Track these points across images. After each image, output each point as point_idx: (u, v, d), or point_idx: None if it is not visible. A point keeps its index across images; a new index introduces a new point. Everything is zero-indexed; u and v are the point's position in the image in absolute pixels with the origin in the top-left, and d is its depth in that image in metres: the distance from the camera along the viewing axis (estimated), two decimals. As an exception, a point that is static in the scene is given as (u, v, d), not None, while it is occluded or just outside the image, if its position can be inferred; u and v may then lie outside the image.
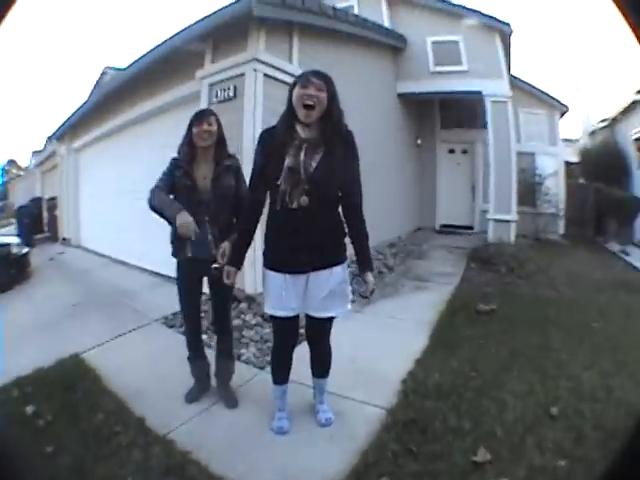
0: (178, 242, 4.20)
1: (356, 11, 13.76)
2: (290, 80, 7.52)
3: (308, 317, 3.83)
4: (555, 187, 16.13)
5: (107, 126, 13.18)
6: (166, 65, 9.10)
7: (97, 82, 18.14)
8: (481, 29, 13.43)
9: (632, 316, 7.21)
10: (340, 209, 3.65)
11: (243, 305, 7.25)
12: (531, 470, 3.34)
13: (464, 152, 17.13)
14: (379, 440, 3.81)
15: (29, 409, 4.38)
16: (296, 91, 3.41)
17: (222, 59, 8.00)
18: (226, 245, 4.06)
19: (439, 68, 14.06)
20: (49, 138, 19.79)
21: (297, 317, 3.82)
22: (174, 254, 4.34)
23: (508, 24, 13.33)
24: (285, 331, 3.90)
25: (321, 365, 4.12)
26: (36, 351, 5.93)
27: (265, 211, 3.70)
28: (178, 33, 8.26)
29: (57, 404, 4.48)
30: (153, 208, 4.10)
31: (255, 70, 7.47)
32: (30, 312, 8.25)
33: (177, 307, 4.64)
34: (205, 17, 7.64)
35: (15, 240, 12.69)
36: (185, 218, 3.89)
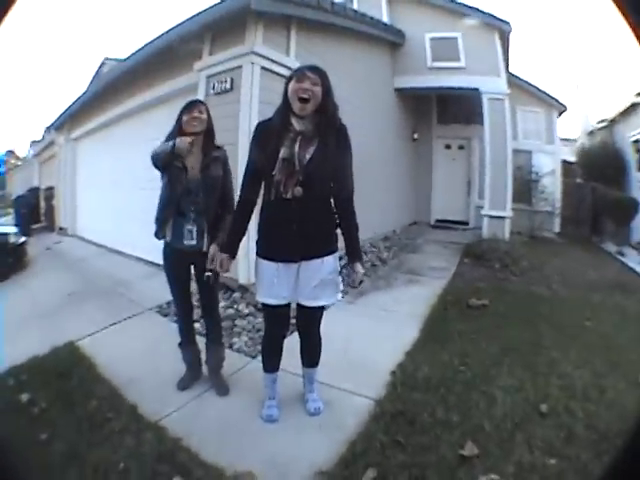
0: (162, 224, 4.29)
1: (355, 6, 13.72)
2: (287, 73, 7.59)
3: (299, 306, 3.88)
4: (551, 185, 16.27)
5: (105, 116, 13.20)
6: (164, 57, 9.11)
7: (96, 73, 18.17)
8: (480, 27, 13.46)
9: (626, 317, 7.23)
10: (332, 200, 3.71)
11: (236, 294, 7.30)
12: (520, 467, 3.36)
13: (460, 148, 17.19)
14: (367, 430, 3.85)
15: (24, 397, 4.42)
16: (292, 85, 3.48)
17: (220, 52, 8.02)
18: (214, 248, 4.11)
19: (437, 64, 14.10)
20: (48, 128, 19.80)
21: (288, 306, 3.88)
22: (156, 234, 4.37)
23: (507, 22, 13.39)
24: (276, 319, 3.97)
25: (311, 355, 4.16)
26: (31, 340, 5.98)
27: (259, 201, 3.76)
28: (177, 26, 8.29)
29: (52, 392, 4.52)
30: (155, 156, 4.14)
31: (252, 63, 7.49)
32: (26, 301, 8.29)
33: (170, 296, 4.68)
34: (204, 10, 7.67)
35: (13, 230, 12.78)
36: (183, 138, 4.01)
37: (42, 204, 20.51)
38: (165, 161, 4.07)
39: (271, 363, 4.13)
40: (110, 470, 3.35)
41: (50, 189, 19.26)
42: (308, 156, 3.47)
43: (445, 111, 17.23)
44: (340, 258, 3.83)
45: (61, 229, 17.32)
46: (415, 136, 16.80)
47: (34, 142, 36.60)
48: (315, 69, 3.53)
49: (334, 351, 4.89)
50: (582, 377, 4.86)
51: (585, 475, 3.18)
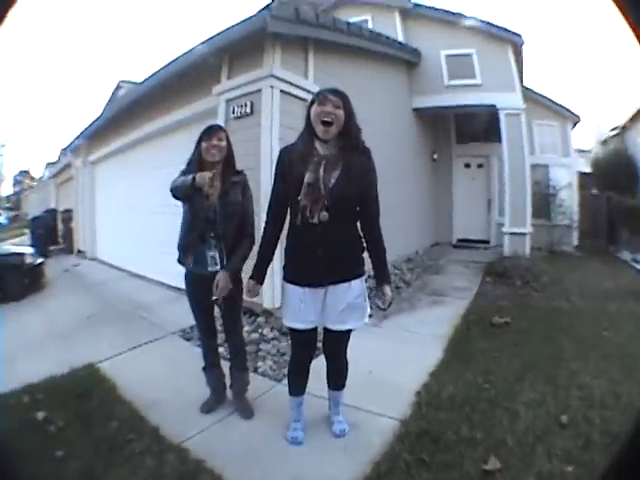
0: (184, 251, 4.29)
1: (370, 25, 13.79)
2: (306, 96, 7.57)
3: (326, 330, 3.86)
4: (569, 199, 16.20)
5: (123, 140, 13.23)
6: (182, 80, 9.15)
7: (112, 95, 18.26)
8: (493, 41, 13.49)
9: None
10: (358, 224, 3.71)
11: (260, 319, 7.27)
12: (539, 477, 3.38)
13: (480, 166, 17.13)
14: (392, 450, 3.82)
15: (40, 415, 4.45)
16: (314, 109, 3.52)
17: (238, 75, 8.07)
18: (221, 276, 4.12)
19: (453, 82, 14.11)
20: (63, 150, 19.97)
21: (315, 330, 3.89)
22: (179, 260, 4.39)
23: (519, 35, 13.44)
24: (303, 343, 3.95)
25: (337, 378, 4.16)
26: (49, 360, 6.04)
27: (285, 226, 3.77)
28: (193, 49, 8.29)
29: (69, 411, 4.55)
30: (175, 189, 4.12)
31: (272, 86, 7.51)
32: (44, 322, 8.34)
33: (194, 321, 4.69)
34: (220, 32, 7.67)
35: (29, 250, 12.89)
36: (203, 173, 3.94)
37: (60, 226, 20.62)
38: (186, 194, 4.06)
39: (297, 387, 4.11)
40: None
41: (68, 211, 19.38)
42: (333, 180, 3.46)
43: (463, 130, 17.17)
44: (365, 280, 3.81)
45: (80, 252, 17.45)
46: (435, 156, 16.75)
47: (49, 164, 36.89)
48: (337, 92, 3.55)
49: (359, 373, 4.85)
50: (600, 386, 4.91)
51: (595, 475, 3.18)
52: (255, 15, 7.20)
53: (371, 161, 3.66)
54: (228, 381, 4.77)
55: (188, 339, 6.87)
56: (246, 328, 6.83)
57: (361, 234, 3.72)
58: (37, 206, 30.64)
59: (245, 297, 4.09)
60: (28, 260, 11.64)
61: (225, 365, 4.80)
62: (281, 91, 7.63)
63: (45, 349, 6.65)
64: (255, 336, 6.73)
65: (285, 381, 4.53)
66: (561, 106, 16.87)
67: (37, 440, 4.03)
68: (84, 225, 17.10)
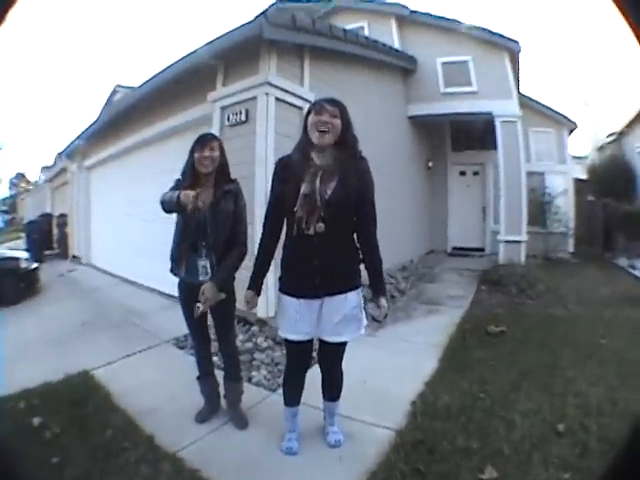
0: (177, 261, 4.29)
1: (366, 32, 13.82)
2: (301, 104, 7.53)
3: (321, 342, 3.86)
4: (565, 206, 16.28)
5: (118, 146, 13.25)
6: (177, 86, 9.13)
7: (108, 100, 18.25)
8: (490, 48, 13.51)
9: (637, 329, 7.35)
10: (355, 235, 3.71)
11: (254, 328, 7.25)
12: (536, 484, 3.38)
13: (475, 174, 17.18)
14: (388, 460, 3.81)
15: (36, 421, 4.47)
16: (310, 118, 3.54)
17: (233, 81, 8.08)
18: (207, 286, 4.08)
19: (449, 89, 14.14)
20: (59, 154, 19.93)
21: (311, 341, 3.88)
22: (171, 270, 4.39)
23: (516, 42, 13.45)
24: (298, 355, 3.95)
25: (332, 389, 4.14)
26: (44, 365, 6.07)
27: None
28: (188, 55, 8.28)
29: (65, 418, 4.57)
30: (163, 203, 4.09)
31: (267, 94, 7.48)
32: (39, 327, 8.36)
33: (188, 330, 4.69)
34: (216, 38, 7.64)
35: (24, 255, 12.85)
36: (187, 192, 3.91)
37: (55, 231, 20.60)
38: (173, 210, 4.07)
39: (292, 397, 4.10)
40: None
41: (63, 216, 19.40)
42: (329, 191, 3.46)
43: (459, 137, 17.21)
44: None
45: (74, 257, 17.45)
46: (430, 164, 16.75)
47: (45, 167, 36.90)
48: (334, 102, 3.57)
49: (355, 383, 4.86)
50: (597, 394, 4.92)
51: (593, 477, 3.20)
52: (251, 21, 7.18)
53: (368, 172, 3.66)
54: (222, 390, 4.75)
55: (182, 347, 6.86)
56: (240, 337, 6.84)
57: (357, 245, 3.72)
58: (33, 210, 30.59)
59: (244, 308, 4.07)
60: (23, 265, 11.64)
61: (219, 374, 4.79)
62: (276, 99, 7.61)
63: (40, 355, 6.68)
64: (249, 345, 6.71)
65: (280, 391, 4.50)
66: (557, 113, 16.94)
67: (33, 445, 4.06)
68: (79, 230, 17.09)
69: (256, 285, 3.87)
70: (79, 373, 5.76)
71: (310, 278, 3.55)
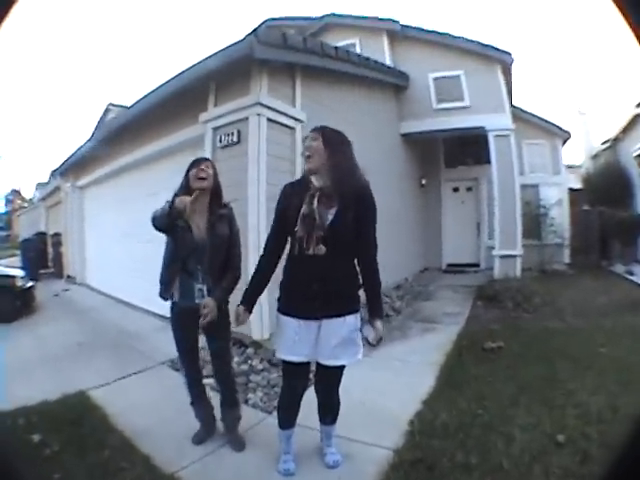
0: (165, 285, 4.30)
1: (358, 49, 13.87)
2: (293, 124, 7.55)
3: (318, 365, 3.85)
4: (559, 216, 16.29)
5: (111, 166, 13.23)
6: (168, 107, 9.11)
7: (100, 119, 18.24)
8: (482, 61, 13.57)
9: (637, 335, 7.40)
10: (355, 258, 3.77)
11: (250, 350, 7.23)
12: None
13: (468, 190, 17.25)
14: None
15: (36, 437, 4.49)
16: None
17: (225, 102, 8.08)
18: (208, 301, 4.09)
19: (442, 105, 14.18)
20: (53, 173, 19.89)
21: (308, 364, 3.89)
22: (161, 294, 4.38)
23: (509, 53, 13.48)
24: (295, 376, 3.92)
25: (328, 413, 4.15)
26: (41, 384, 6.11)
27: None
28: (179, 75, 8.25)
29: (63, 436, 4.57)
30: (154, 219, 4.09)
31: (259, 114, 7.47)
32: (35, 346, 8.40)
33: (179, 356, 4.68)
34: (206, 58, 7.63)
35: (20, 273, 12.88)
36: (182, 197, 3.92)
37: (50, 250, 20.65)
38: (164, 223, 4.03)
39: (287, 420, 4.09)
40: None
41: (57, 235, 19.45)
42: (331, 216, 3.55)
43: (452, 153, 17.27)
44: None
45: (69, 277, 17.44)
46: (423, 182, 16.78)
47: (40, 184, 36.90)
48: (315, 128, 3.79)
49: (352, 404, 4.85)
50: (597, 402, 4.94)
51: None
52: (241, 40, 7.15)
53: (369, 198, 3.72)
54: (218, 413, 4.74)
55: (177, 369, 6.74)
56: (235, 359, 6.81)
57: (358, 269, 3.76)
58: (28, 228, 30.55)
59: (233, 325, 4.12)
60: (19, 283, 11.67)
61: (215, 397, 4.80)
62: (268, 119, 7.58)
63: (37, 373, 6.71)
64: (245, 367, 6.70)
65: (276, 413, 4.48)
66: (551, 123, 16.93)
67: (34, 461, 4.08)
68: (73, 250, 17.12)
69: (248, 302, 3.86)
70: (76, 393, 5.78)
71: (309, 299, 3.59)
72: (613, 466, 1.53)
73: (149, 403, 5.62)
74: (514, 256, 13.37)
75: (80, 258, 16.67)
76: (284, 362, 3.90)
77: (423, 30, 14.30)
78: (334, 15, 15.22)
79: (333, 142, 3.66)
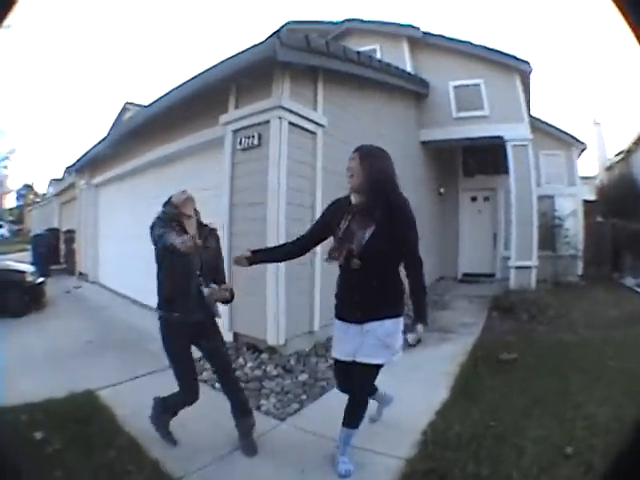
0: (171, 299, 4.41)
1: (378, 55, 13.71)
2: (314, 128, 7.49)
3: (355, 363, 4.07)
4: (573, 228, 16.20)
5: (127, 166, 13.24)
6: (188, 107, 9.03)
7: (117, 117, 18.23)
8: (501, 70, 13.52)
9: None
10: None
11: (264, 356, 7.18)
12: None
13: (486, 199, 17.16)
14: (398, 489, 3.80)
15: (38, 435, 4.47)
16: None
17: (246, 104, 8.02)
18: (214, 287, 4.28)
19: (462, 114, 14.11)
20: (68, 169, 19.90)
21: (354, 363, 4.09)
22: (163, 307, 4.47)
23: (527, 62, 13.42)
24: (342, 374, 4.29)
25: (353, 414, 4.20)
26: (47, 381, 6.14)
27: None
28: (199, 75, 8.19)
29: (67, 435, 4.55)
30: (174, 247, 4.04)
31: (280, 118, 7.38)
32: (43, 342, 8.39)
33: (195, 354, 4.65)
34: (228, 59, 7.56)
35: (30, 268, 12.95)
36: (185, 242, 3.90)
37: (62, 246, 20.68)
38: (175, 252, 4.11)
39: (344, 418, 4.24)
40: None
41: (71, 232, 19.50)
42: (367, 234, 3.87)
43: (470, 162, 17.18)
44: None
45: (81, 274, 17.47)
46: (441, 190, 16.67)
47: (54, 180, 36.89)
48: (357, 148, 4.08)
49: (366, 413, 4.73)
50: (605, 413, 4.94)
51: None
52: (264, 42, 7.12)
53: (407, 215, 4.02)
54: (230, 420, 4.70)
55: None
56: (249, 364, 6.88)
57: (398, 277, 4.13)
58: (40, 223, 30.61)
59: (233, 262, 4.32)
60: (29, 278, 11.73)
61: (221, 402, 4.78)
62: (290, 123, 7.51)
63: (44, 370, 6.71)
64: (258, 373, 6.69)
65: (289, 420, 5.01)
66: (567, 134, 16.82)
67: (35, 458, 4.06)
68: (86, 247, 17.11)
69: (255, 254, 4.22)
70: (83, 392, 5.76)
71: (353, 306, 4.01)
72: (615, 463, 1.56)
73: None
74: (529, 267, 13.32)
75: (93, 256, 16.67)
76: (334, 360, 4.35)
77: (444, 37, 14.23)
78: (355, 20, 15.13)
79: (370, 162, 3.93)
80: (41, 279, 12.26)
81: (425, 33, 14.31)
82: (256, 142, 7.62)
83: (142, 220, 11.65)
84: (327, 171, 8.09)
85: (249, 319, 7.50)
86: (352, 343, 4.01)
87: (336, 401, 4.57)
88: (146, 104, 11.31)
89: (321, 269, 7.87)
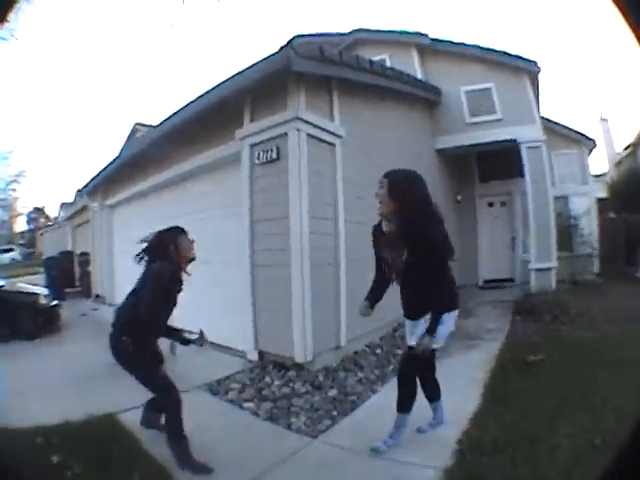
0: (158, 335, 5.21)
1: (388, 64, 13.61)
2: (332, 140, 7.49)
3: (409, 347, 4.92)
4: (588, 226, 16.30)
5: (141, 185, 13.17)
6: (202, 123, 8.97)
7: (128, 138, 18.28)
8: (511, 72, 13.59)
9: None
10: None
11: (291, 373, 7.10)
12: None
13: (502, 204, 17.11)
14: (439, 499, 3.84)
15: (54, 458, 4.40)
16: None
17: (261, 117, 7.96)
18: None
19: (475, 119, 14.16)
20: (79, 191, 19.95)
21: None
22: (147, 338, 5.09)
23: (535, 63, 13.47)
24: (412, 359, 4.85)
25: (431, 391, 5.22)
26: (63, 403, 6.15)
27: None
28: (215, 87, 8.12)
29: (88, 459, 4.48)
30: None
31: (298, 130, 7.33)
32: (58, 364, 8.42)
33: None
34: (241, 71, 7.52)
35: (44, 291, 13.05)
36: None
37: (77, 269, 20.75)
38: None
39: (402, 403, 4.92)
40: None
41: (85, 254, 19.54)
42: (403, 258, 4.41)
43: (485, 168, 17.13)
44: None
45: (98, 296, 17.44)
46: (459, 198, 16.63)
47: (65, 204, 37.07)
48: (385, 174, 4.46)
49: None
50: (629, 403, 4.94)
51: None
52: (278, 52, 7.15)
53: (431, 244, 4.31)
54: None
55: (215, 393, 6.77)
56: (276, 382, 6.86)
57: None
58: (51, 247, 30.50)
59: (362, 314, 4.97)
60: (43, 301, 11.86)
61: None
62: (308, 135, 7.46)
63: (59, 392, 6.73)
64: (286, 391, 6.63)
65: (321, 437, 5.24)
66: (577, 132, 16.95)
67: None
68: (102, 270, 17.07)
69: (371, 301, 4.90)
70: (103, 415, 5.72)
71: (404, 308, 4.91)
72: (615, 461, 1.57)
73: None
74: (549, 269, 13.36)
75: (109, 277, 16.59)
76: (408, 347, 4.94)
77: (452, 43, 14.29)
78: (362, 30, 15.23)
79: (398, 192, 4.27)
80: (55, 302, 12.33)
81: (433, 39, 14.38)
82: (275, 156, 7.53)
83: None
84: (348, 182, 8.02)
85: (274, 336, 7.51)
86: (410, 334, 4.82)
87: (368, 416, 4.85)
88: (155, 124, 11.39)
89: (346, 283, 7.92)
